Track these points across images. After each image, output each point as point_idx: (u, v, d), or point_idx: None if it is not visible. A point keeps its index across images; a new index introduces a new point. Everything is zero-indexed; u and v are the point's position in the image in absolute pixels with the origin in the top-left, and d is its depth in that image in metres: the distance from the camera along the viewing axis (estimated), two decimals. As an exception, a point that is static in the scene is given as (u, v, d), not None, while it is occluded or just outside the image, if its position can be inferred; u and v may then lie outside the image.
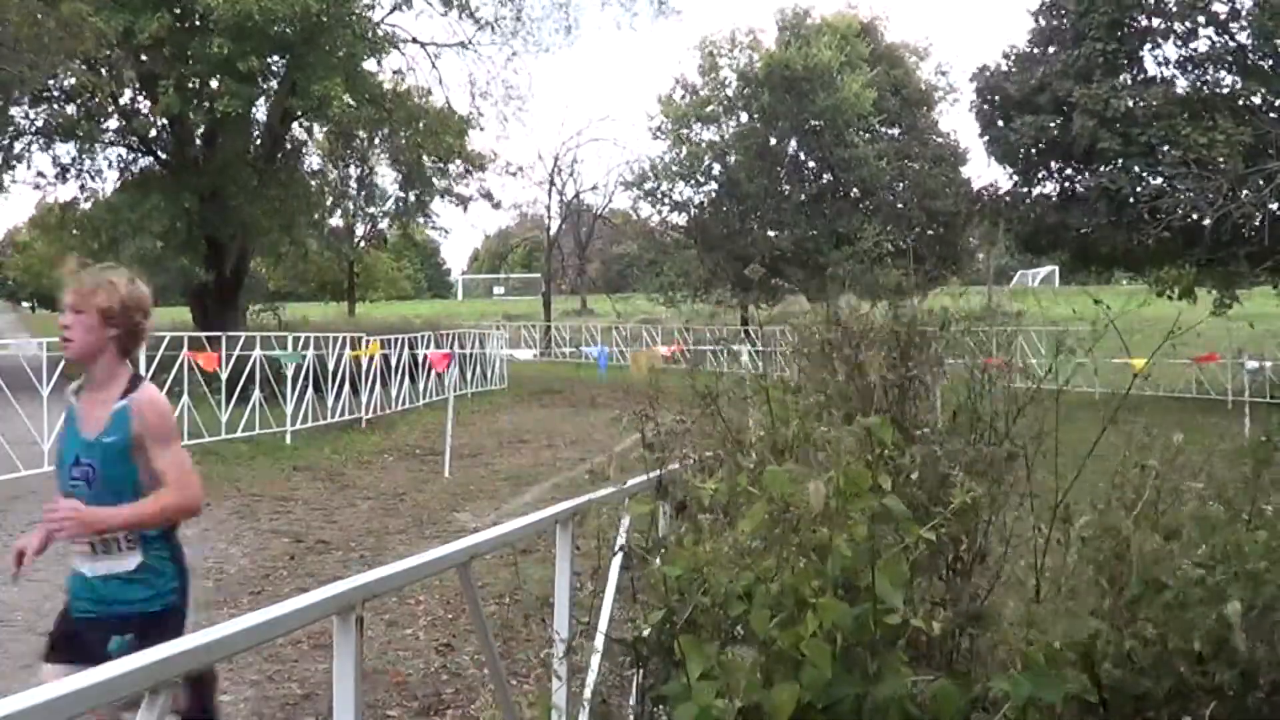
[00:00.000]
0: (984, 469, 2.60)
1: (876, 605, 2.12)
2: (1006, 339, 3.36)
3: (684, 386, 3.66)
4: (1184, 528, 2.52)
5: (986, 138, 24.36)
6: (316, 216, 26.63)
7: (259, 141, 24.16)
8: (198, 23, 20.82)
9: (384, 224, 29.37)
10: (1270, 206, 19.97)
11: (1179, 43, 22.17)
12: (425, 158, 25.63)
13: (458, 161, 26.31)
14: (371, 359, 17.63)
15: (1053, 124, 22.07)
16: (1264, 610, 2.27)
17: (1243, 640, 2.19)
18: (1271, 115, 20.79)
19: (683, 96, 40.06)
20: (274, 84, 22.65)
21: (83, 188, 24.77)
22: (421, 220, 28.39)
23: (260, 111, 23.68)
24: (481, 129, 27.37)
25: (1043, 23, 23.48)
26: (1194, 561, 2.35)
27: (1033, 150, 23.01)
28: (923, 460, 2.45)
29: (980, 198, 26.50)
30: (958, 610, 2.34)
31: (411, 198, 27.05)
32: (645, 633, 2.50)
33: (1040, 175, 23.91)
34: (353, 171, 27.24)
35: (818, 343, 3.28)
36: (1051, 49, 23.05)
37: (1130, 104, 20.64)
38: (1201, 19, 21.40)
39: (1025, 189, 24.22)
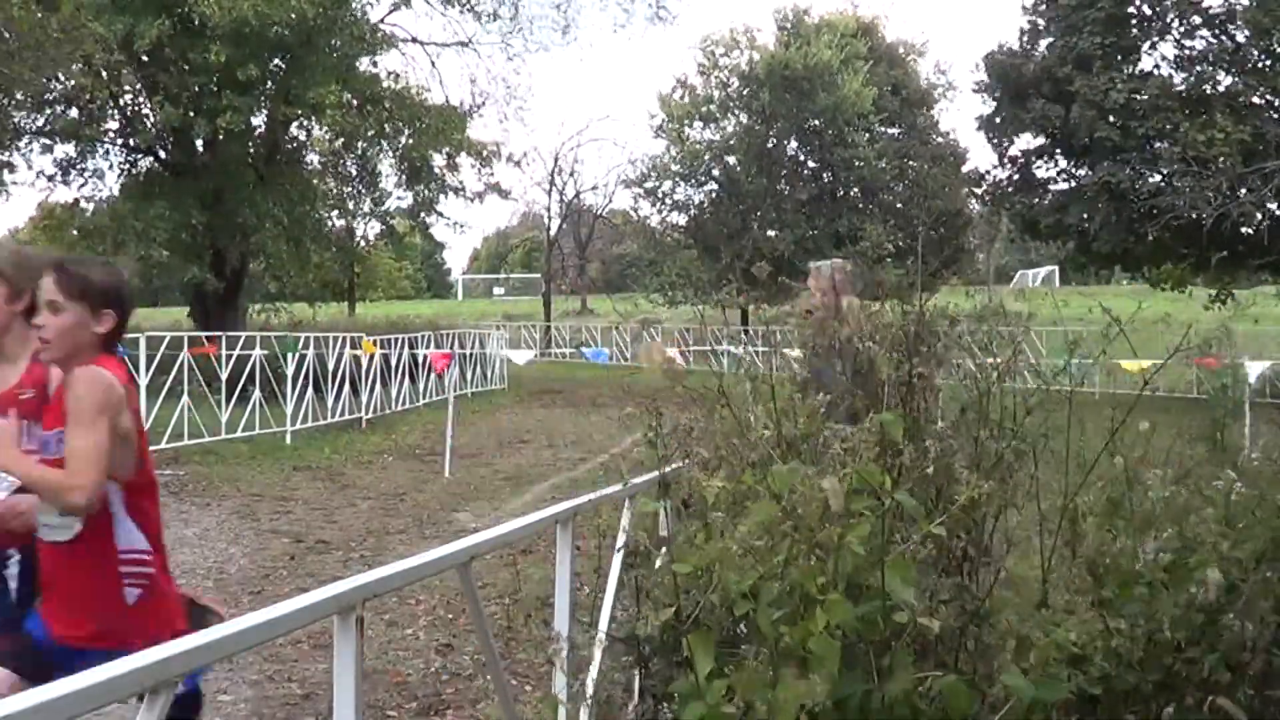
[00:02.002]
0: (991, 465, 2.60)
1: (886, 603, 2.12)
2: (1012, 339, 3.35)
3: (688, 386, 3.65)
4: (1156, 516, 2.53)
5: (985, 119, 24.22)
6: (321, 216, 26.52)
7: (258, 144, 24.11)
8: (196, 28, 20.77)
9: (392, 223, 29.26)
10: (1269, 206, 19.94)
11: (1176, 42, 22.15)
12: (432, 156, 25.54)
13: (462, 155, 26.23)
14: (371, 358, 17.63)
15: (1055, 114, 22.00)
16: (1232, 587, 2.29)
17: (1230, 616, 2.19)
18: (1271, 115, 20.77)
19: (683, 96, 40.10)
20: (270, 86, 22.56)
21: (82, 187, 24.76)
22: (431, 219, 28.34)
23: (259, 118, 23.61)
24: (483, 113, 27.33)
25: (1038, 10, 23.34)
26: (1165, 548, 2.37)
27: (1033, 137, 22.99)
28: (934, 457, 2.46)
29: (977, 178, 26.39)
30: (963, 607, 2.34)
31: (418, 196, 26.98)
32: (650, 630, 2.49)
33: (1041, 159, 23.86)
34: (354, 171, 27.11)
35: (825, 340, 3.25)
36: (1048, 37, 22.98)
37: (1128, 96, 20.62)
38: (1197, 19, 21.36)
39: (1025, 180, 24.16)
